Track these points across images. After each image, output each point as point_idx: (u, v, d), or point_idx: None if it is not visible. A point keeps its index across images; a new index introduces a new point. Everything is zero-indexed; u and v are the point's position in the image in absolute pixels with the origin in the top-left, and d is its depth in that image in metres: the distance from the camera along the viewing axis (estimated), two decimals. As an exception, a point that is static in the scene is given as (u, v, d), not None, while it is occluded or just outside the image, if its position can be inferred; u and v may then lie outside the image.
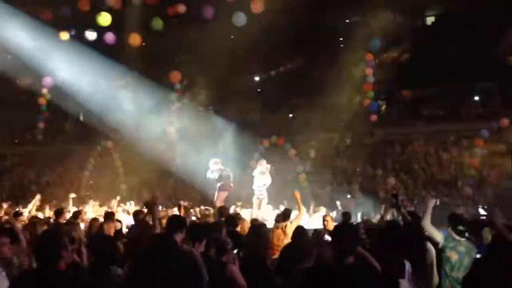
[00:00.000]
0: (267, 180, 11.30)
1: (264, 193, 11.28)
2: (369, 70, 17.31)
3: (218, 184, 11.10)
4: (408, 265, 4.18)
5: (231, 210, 10.02)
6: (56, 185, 19.12)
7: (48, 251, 3.19)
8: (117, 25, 15.49)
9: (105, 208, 11.33)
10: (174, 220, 4.40)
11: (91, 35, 15.87)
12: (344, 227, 4.13)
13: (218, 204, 10.51)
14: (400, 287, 3.98)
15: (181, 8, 14.57)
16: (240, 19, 13.65)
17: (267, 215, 10.60)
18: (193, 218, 9.33)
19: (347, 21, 19.95)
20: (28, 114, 20.35)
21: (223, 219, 7.00)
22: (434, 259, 5.03)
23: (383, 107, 19.67)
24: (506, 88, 17.83)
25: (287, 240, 6.29)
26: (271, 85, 22.19)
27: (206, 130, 17.53)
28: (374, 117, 17.36)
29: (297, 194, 7.97)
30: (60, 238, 3.31)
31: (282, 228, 6.85)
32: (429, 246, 5.08)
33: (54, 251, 3.18)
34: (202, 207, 11.28)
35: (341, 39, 20.20)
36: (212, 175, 11.26)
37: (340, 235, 3.56)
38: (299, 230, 5.82)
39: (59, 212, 8.44)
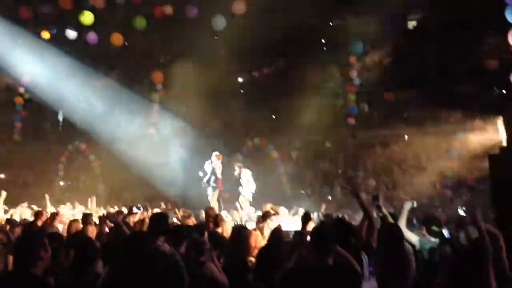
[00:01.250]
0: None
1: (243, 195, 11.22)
2: (352, 73, 17.47)
3: (209, 180, 11.03)
4: (365, 259, 4.24)
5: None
6: (33, 185, 18.78)
7: (27, 252, 3.13)
8: (99, 25, 15.32)
9: (82, 209, 11.17)
10: (157, 221, 4.36)
11: (71, 34, 15.65)
12: (323, 228, 4.16)
13: (213, 204, 10.50)
14: None
15: (168, 9, 14.47)
16: (222, 20, 13.62)
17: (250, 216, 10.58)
18: (175, 220, 9.26)
19: (330, 24, 20.01)
20: (5, 113, 19.92)
21: (204, 220, 6.97)
22: (413, 260, 5.06)
23: (366, 109, 19.81)
24: (485, 92, 18.14)
25: (265, 242, 6.26)
26: (254, 87, 22.12)
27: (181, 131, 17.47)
28: (352, 120, 17.57)
29: (268, 207, 8.02)
30: (40, 239, 3.26)
31: (260, 230, 6.83)
32: (408, 247, 5.11)
33: (33, 253, 3.12)
34: (183, 209, 11.20)
35: (323, 41, 20.29)
36: (208, 167, 11.16)
37: (318, 236, 3.59)
38: (276, 231, 5.80)
39: (37, 214, 8.29)
